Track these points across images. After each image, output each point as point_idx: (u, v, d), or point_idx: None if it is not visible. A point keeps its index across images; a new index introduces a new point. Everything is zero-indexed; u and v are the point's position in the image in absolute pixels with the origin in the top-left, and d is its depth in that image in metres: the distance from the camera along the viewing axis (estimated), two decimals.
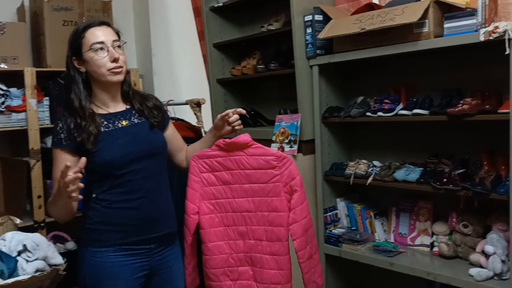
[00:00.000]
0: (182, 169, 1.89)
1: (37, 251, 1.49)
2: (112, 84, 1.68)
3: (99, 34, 1.63)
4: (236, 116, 1.77)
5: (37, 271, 1.46)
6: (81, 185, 1.44)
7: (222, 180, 1.77)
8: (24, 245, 1.48)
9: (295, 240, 1.75)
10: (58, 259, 1.54)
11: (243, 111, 1.78)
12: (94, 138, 1.60)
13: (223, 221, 1.79)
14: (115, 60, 1.63)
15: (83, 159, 1.45)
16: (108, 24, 1.70)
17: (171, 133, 1.85)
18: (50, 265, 1.51)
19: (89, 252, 1.65)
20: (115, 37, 1.68)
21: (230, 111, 1.77)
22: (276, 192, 1.74)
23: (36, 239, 1.53)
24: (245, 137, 1.75)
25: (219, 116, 1.78)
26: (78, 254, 1.69)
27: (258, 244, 1.77)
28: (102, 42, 1.62)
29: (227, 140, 1.75)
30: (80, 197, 1.47)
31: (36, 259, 1.48)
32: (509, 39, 1.84)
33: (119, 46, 1.67)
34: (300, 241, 1.75)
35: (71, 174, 1.40)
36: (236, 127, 1.78)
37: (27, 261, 1.47)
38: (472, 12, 2.02)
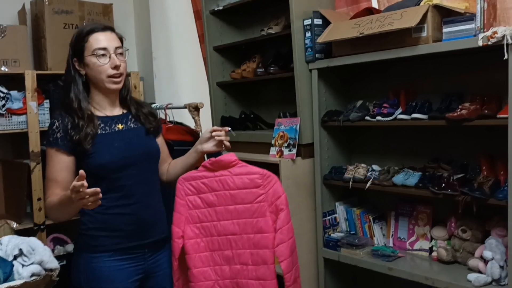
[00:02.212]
0: (161, 181, 1.87)
1: (33, 255, 1.49)
2: (110, 91, 1.69)
3: (103, 40, 1.64)
4: (223, 133, 1.77)
5: (32, 275, 1.46)
6: (100, 195, 1.39)
7: (207, 202, 1.74)
8: (20, 249, 1.49)
9: (283, 262, 1.71)
10: (54, 264, 1.54)
11: (227, 128, 1.79)
12: (92, 139, 1.60)
13: (209, 246, 1.75)
14: (116, 67, 1.64)
15: (82, 172, 1.37)
16: (112, 29, 1.71)
17: (160, 143, 1.86)
18: (46, 270, 1.52)
19: (84, 257, 1.65)
20: (118, 44, 1.68)
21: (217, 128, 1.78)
22: (261, 213, 1.71)
23: (32, 243, 1.53)
24: (230, 156, 1.73)
25: (210, 128, 1.79)
26: (73, 260, 1.69)
27: (244, 269, 1.73)
28: (105, 48, 1.63)
29: (213, 159, 1.73)
30: (99, 202, 1.42)
31: (32, 264, 1.48)
32: (507, 44, 1.83)
33: (121, 53, 1.67)
34: (287, 262, 1.72)
35: (87, 190, 1.36)
36: (226, 143, 1.77)
37: (23, 265, 1.47)
38: (471, 17, 2.01)
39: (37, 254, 1.51)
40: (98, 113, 1.69)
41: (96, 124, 1.64)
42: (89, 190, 1.37)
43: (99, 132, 1.64)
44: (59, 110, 1.67)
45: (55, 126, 1.62)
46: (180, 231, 1.73)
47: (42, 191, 2.83)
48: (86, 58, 1.63)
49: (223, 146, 1.77)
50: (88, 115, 1.63)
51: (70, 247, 2.88)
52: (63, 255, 2.81)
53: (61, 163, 1.60)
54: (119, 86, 1.68)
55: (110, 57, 1.63)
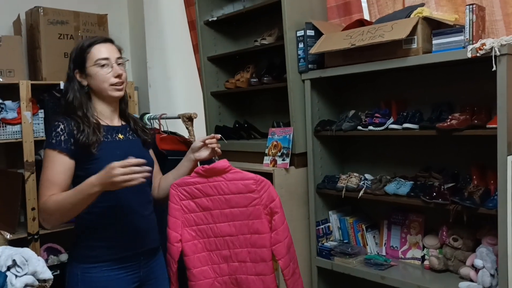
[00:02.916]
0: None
1: (26, 266, 1.50)
2: (112, 99, 1.73)
3: (104, 51, 1.69)
4: (215, 140, 1.83)
5: (26, 286, 1.46)
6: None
7: (202, 207, 1.79)
8: (14, 260, 1.49)
9: (280, 260, 1.79)
10: (48, 274, 1.55)
11: (218, 136, 1.85)
12: (99, 144, 1.63)
13: (206, 246, 1.81)
14: (118, 76, 1.69)
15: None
16: (112, 41, 1.77)
17: (152, 157, 1.89)
18: (39, 280, 1.52)
19: (81, 268, 1.65)
20: (119, 54, 1.74)
21: (209, 136, 1.83)
22: (256, 215, 1.77)
23: (25, 254, 1.53)
24: (223, 163, 1.78)
25: (202, 138, 1.83)
26: (67, 271, 1.69)
27: (242, 266, 1.80)
28: (107, 59, 1.68)
29: (206, 166, 1.77)
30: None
31: (25, 274, 1.49)
32: (495, 56, 1.87)
33: (121, 64, 1.73)
34: (284, 260, 1.79)
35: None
36: (218, 150, 1.82)
37: (16, 276, 1.48)
38: (460, 29, 2.05)
39: (31, 265, 1.51)
40: (100, 122, 1.72)
41: (102, 132, 1.67)
42: (135, 161, 1.46)
43: (102, 139, 1.66)
44: (63, 114, 1.68)
45: (59, 129, 1.61)
46: (178, 235, 1.77)
47: (36, 201, 2.82)
48: (88, 68, 1.67)
49: (215, 153, 1.82)
50: (95, 123, 1.67)
51: (63, 257, 2.88)
52: (57, 264, 2.80)
53: (62, 165, 1.60)
54: (122, 93, 1.73)
55: (112, 66, 1.68)
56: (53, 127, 1.64)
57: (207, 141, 1.81)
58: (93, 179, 1.49)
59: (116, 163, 1.45)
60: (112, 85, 1.68)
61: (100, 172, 1.48)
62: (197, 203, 1.78)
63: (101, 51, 1.68)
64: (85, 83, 1.70)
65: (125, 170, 1.44)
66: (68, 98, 1.69)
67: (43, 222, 1.63)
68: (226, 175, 1.77)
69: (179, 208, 1.78)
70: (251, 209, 1.77)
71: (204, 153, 1.83)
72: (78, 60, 1.69)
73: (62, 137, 1.61)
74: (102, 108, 1.73)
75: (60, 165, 1.60)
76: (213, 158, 1.83)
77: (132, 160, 1.46)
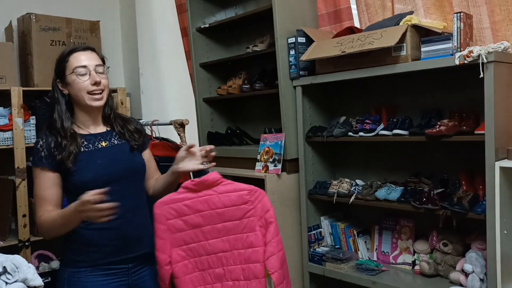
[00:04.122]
0: (147, 195, 1.88)
1: (17, 273, 1.49)
2: (91, 109, 1.71)
3: (83, 59, 1.67)
4: (197, 148, 1.75)
5: None
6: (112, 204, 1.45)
7: (192, 224, 1.69)
8: (4, 267, 1.49)
9: (274, 274, 1.70)
10: (38, 281, 1.54)
11: (212, 147, 1.77)
12: (74, 157, 1.62)
13: (197, 266, 1.72)
14: (96, 83, 1.66)
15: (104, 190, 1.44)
16: (93, 49, 1.75)
17: (147, 158, 1.87)
18: (29, 287, 1.52)
19: (67, 272, 1.65)
20: (98, 62, 1.71)
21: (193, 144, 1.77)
22: (251, 227, 1.70)
23: (16, 261, 1.53)
24: (214, 175, 1.70)
25: (185, 146, 1.77)
26: (58, 275, 1.70)
27: (236, 285, 1.71)
28: (84, 66, 1.66)
29: (196, 180, 1.70)
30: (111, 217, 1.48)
31: (15, 281, 1.48)
32: (483, 63, 1.90)
33: (101, 72, 1.70)
34: (278, 274, 1.70)
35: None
36: (212, 163, 1.76)
37: (7, 283, 1.47)
38: (448, 37, 2.08)
39: (21, 272, 1.51)
40: (81, 131, 1.71)
41: (79, 142, 1.66)
42: (104, 205, 1.42)
43: (82, 150, 1.66)
44: (44, 130, 1.71)
45: (39, 145, 1.65)
46: (166, 257, 1.67)
47: (27, 208, 2.82)
48: (67, 77, 1.66)
49: (205, 163, 1.76)
50: (71, 134, 1.65)
51: (55, 264, 2.87)
52: (48, 271, 2.79)
53: (48, 181, 1.63)
54: (101, 103, 1.70)
55: (90, 74, 1.66)
56: (35, 145, 1.68)
57: (194, 149, 1.74)
58: (73, 206, 1.49)
59: (74, 204, 1.46)
60: (89, 93, 1.65)
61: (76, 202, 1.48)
62: (185, 221, 1.69)
63: (79, 59, 1.66)
64: (66, 92, 1.69)
65: (89, 207, 1.43)
66: (49, 106, 1.72)
67: (43, 236, 1.66)
68: (218, 188, 1.70)
69: (165, 229, 1.68)
70: (245, 221, 1.70)
71: (189, 164, 1.76)
72: (59, 69, 1.69)
73: (42, 153, 1.63)
74: (83, 117, 1.72)
75: (46, 181, 1.63)
76: (206, 170, 1.75)
77: (89, 197, 1.42)
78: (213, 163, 1.79)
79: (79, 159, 1.63)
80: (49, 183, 1.63)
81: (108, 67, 1.75)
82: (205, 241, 1.70)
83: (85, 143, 1.68)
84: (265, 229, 1.72)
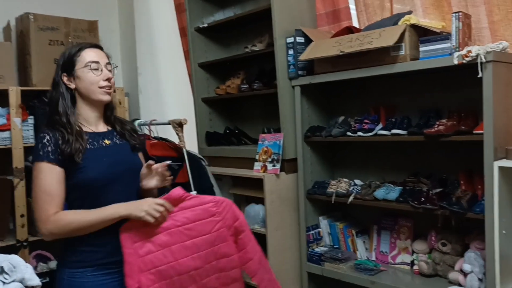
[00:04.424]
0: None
1: (14, 273, 1.49)
2: (100, 103, 1.72)
3: (94, 55, 1.71)
4: (158, 166, 1.73)
5: None
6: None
7: (160, 244, 1.61)
8: (1, 267, 1.48)
9: (254, 277, 1.73)
10: (36, 281, 1.54)
11: (168, 162, 1.75)
12: (82, 153, 1.62)
13: None
14: (108, 79, 1.70)
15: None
16: (101, 47, 1.78)
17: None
18: (27, 287, 1.51)
19: (67, 273, 1.64)
20: (108, 60, 1.75)
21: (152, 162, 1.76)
22: (222, 238, 1.68)
23: (13, 260, 1.53)
24: (177, 191, 1.66)
25: (145, 164, 1.76)
26: (56, 276, 1.68)
27: None
28: (97, 62, 1.69)
29: (159, 198, 1.65)
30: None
31: (13, 281, 1.48)
32: (481, 63, 1.90)
33: (110, 70, 1.74)
34: (258, 276, 1.73)
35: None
36: (167, 178, 1.74)
37: (4, 282, 1.47)
38: (446, 36, 2.08)
39: (19, 272, 1.51)
40: (85, 128, 1.71)
41: (85, 138, 1.66)
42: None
43: (87, 147, 1.66)
44: (47, 126, 1.67)
45: (45, 140, 1.61)
46: (134, 283, 1.57)
47: (25, 208, 2.81)
48: (78, 71, 1.68)
49: (165, 181, 1.75)
50: (77, 130, 1.65)
51: (53, 264, 2.86)
52: (46, 272, 2.78)
53: (56, 176, 1.59)
54: (109, 98, 1.74)
55: (102, 70, 1.70)
56: (39, 139, 1.63)
57: (153, 167, 1.71)
58: (120, 205, 1.59)
59: (151, 200, 1.61)
60: (101, 87, 1.69)
61: (133, 201, 1.62)
62: (153, 242, 1.61)
63: (91, 55, 1.70)
64: (72, 86, 1.69)
65: (155, 207, 1.58)
66: (52, 104, 1.69)
67: (49, 236, 1.59)
68: (183, 204, 1.66)
69: (132, 253, 1.58)
70: (215, 234, 1.67)
71: (151, 182, 1.75)
72: (67, 63, 1.69)
73: (49, 148, 1.60)
74: (87, 113, 1.72)
75: (53, 176, 1.59)
76: (168, 187, 1.71)
77: (164, 203, 1.60)
78: (168, 180, 1.76)
79: (85, 156, 1.62)
80: (56, 178, 1.59)
81: (116, 66, 1.79)
82: (175, 261, 1.62)
83: (90, 140, 1.68)
84: (236, 237, 1.72)
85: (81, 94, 1.70)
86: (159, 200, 1.59)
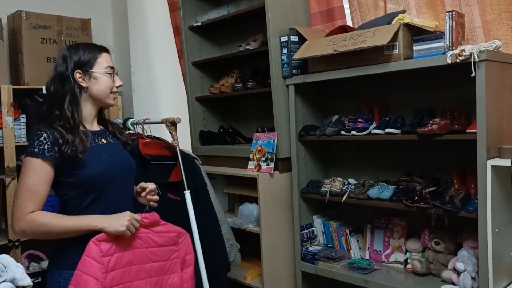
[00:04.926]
0: None
1: (5, 273, 1.47)
2: (107, 106, 1.79)
3: (110, 60, 1.76)
4: (151, 188, 1.77)
5: None
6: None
7: (124, 262, 1.61)
8: None
9: None
10: (27, 281, 1.52)
11: (152, 187, 1.78)
12: (84, 152, 1.61)
13: None
14: (119, 86, 1.78)
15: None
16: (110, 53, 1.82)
17: None
18: (18, 287, 1.50)
19: (63, 275, 1.61)
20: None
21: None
22: (174, 269, 1.74)
23: (4, 260, 1.50)
24: (155, 216, 1.71)
25: (139, 185, 1.81)
26: (48, 278, 1.66)
27: None
28: (113, 68, 1.75)
29: (137, 215, 1.66)
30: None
31: (4, 281, 1.46)
32: (474, 62, 1.90)
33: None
34: None
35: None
36: (152, 203, 1.77)
37: None
38: (440, 35, 2.08)
39: (9, 272, 1.49)
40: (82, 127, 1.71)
41: (90, 137, 1.67)
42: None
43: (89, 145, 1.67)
44: (44, 122, 1.64)
45: (43, 137, 1.58)
46: None
47: None
48: (96, 73, 1.70)
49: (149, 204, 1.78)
50: (83, 131, 1.66)
51: (45, 264, 2.84)
52: (38, 272, 2.76)
53: (45, 175, 1.58)
54: (115, 102, 1.81)
55: (114, 76, 1.76)
56: (35, 136, 1.60)
57: (142, 194, 1.78)
58: (99, 217, 1.60)
59: (129, 214, 1.62)
60: (112, 93, 1.75)
61: (113, 215, 1.62)
62: (118, 259, 1.59)
63: (108, 59, 1.75)
64: (85, 85, 1.69)
65: (134, 221, 1.61)
66: (55, 97, 1.66)
67: (20, 234, 1.59)
68: (156, 228, 1.71)
69: (100, 267, 1.53)
70: (170, 263, 1.73)
71: (141, 199, 1.81)
72: (85, 61, 1.69)
73: (46, 145, 1.58)
74: (87, 113, 1.72)
75: (43, 175, 1.57)
76: (147, 209, 1.74)
77: (138, 217, 1.64)
78: (153, 204, 1.79)
79: (87, 153, 1.62)
80: (45, 178, 1.58)
81: (117, 71, 1.82)
82: (130, 282, 1.63)
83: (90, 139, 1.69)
84: (182, 269, 1.77)
85: (92, 94, 1.71)
86: (137, 216, 1.63)
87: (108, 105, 1.77)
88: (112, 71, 1.74)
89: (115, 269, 1.58)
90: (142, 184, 1.80)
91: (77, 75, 1.68)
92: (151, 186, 1.77)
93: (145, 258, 1.66)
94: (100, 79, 1.71)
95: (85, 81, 1.69)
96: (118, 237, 1.59)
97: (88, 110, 1.73)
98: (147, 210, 1.70)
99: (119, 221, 1.58)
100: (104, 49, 1.76)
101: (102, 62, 1.72)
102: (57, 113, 1.64)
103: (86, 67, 1.69)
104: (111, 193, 1.66)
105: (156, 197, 1.78)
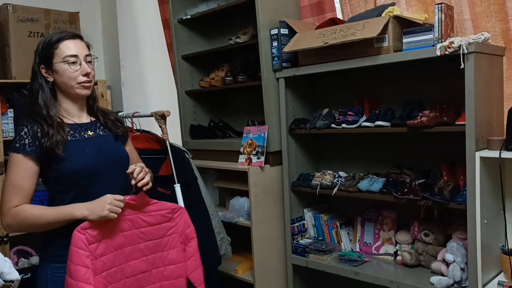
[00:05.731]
0: None
1: None
2: (79, 97, 1.69)
3: (73, 47, 1.65)
4: (138, 170, 1.66)
5: None
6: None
7: (114, 246, 1.61)
8: None
9: (200, 286, 1.78)
10: (15, 275, 1.51)
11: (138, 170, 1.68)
12: (63, 145, 1.59)
13: None
14: (86, 74, 1.65)
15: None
16: (81, 37, 1.72)
17: (130, 150, 1.85)
18: (6, 281, 1.48)
19: (51, 268, 1.61)
20: (88, 52, 1.70)
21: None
22: (172, 245, 1.73)
23: None
24: (140, 198, 1.67)
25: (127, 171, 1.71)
26: (39, 271, 1.65)
27: None
28: (75, 56, 1.64)
29: (118, 196, 1.62)
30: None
31: None
32: (463, 54, 1.91)
33: (90, 61, 1.69)
34: (203, 285, 1.79)
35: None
36: (145, 188, 1.67)
37: None
38: (429, 28, 2.09)
39: None
40: (66, 120, 1.68)
41: (66, 130, 1.63)
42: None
43: (69, 138, 1.63)
44: (27, 117, 1.64)
45: (23, 132, 1.58)
46: (92, 287, 1.53)
47: None
48: (55, 64, 1.63)
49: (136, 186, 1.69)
50: (58, 122, 1.62)
51: (34, 259, 2.82)
52: (28, 267, 2.74)
53: (28, 170, 1.57)
54: (89, 92, 1.69)
55: (80, 64, 1.64)
56: (17, 131, 1.61)
57: (132, 182, 1.66)
58: (79, 205, 1.56)
59: (110, 197, 1.57)
60: (79, 83, 1.64)
61: (93, 201, 1.57)
62: (108, 244, 1.59)
63: (69, 47, 1.64)
64: (50, 79, 1.65)
65: (116, 203, 1.56)
66: (32, 95, 1.65)
67: (7, 228, 1.59)
68: (145, 208, 1.68)
69: (88, 255, 1.53)
70: (166, 239, 1.72)
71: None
72: (45, 54, 1.64)
73: (26, 140, 1.57)
74: (68, 105, 1.69)
75: (25, 170, 1.57)
76: (133, 190, 1.67)
77: (123, 199, 1.59)
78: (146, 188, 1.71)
79: (66, 148, 1.59)
80: (28, 172, 1.57)
81: (97, 57, 1.73)
82: (126, 263, 1.64)
83: (71, 132, 1.65)
84: (185, 244, 1.77)
85: (60, 88, 1.66)
86: (118, 196, 1.58)
87: (79, 96, 1.67)
88: (75, 60, 1.63)
89: (105, 254, 1.58)
90: (129, 169, 1.68)
91: (43, 70, 1.65)
92: (137, 169, 1.66)
93: (137, 239, 1.66)
94: (60, 71, 1.63)
95: (50, 75, 1.65)
96: (105, 222, 1.58)
97: (67, 103, 1.69)
98: (134, 192, 1.65)
99: (100, 206, 1.55)
100: (64, 37, 1.65)
101: (60, 53, 1.63)
102: (37, 109, 1.63)
103: (47, 60, 1.64)
104: (95, 187, 1.62)
105: (146, 180, 1.67)
